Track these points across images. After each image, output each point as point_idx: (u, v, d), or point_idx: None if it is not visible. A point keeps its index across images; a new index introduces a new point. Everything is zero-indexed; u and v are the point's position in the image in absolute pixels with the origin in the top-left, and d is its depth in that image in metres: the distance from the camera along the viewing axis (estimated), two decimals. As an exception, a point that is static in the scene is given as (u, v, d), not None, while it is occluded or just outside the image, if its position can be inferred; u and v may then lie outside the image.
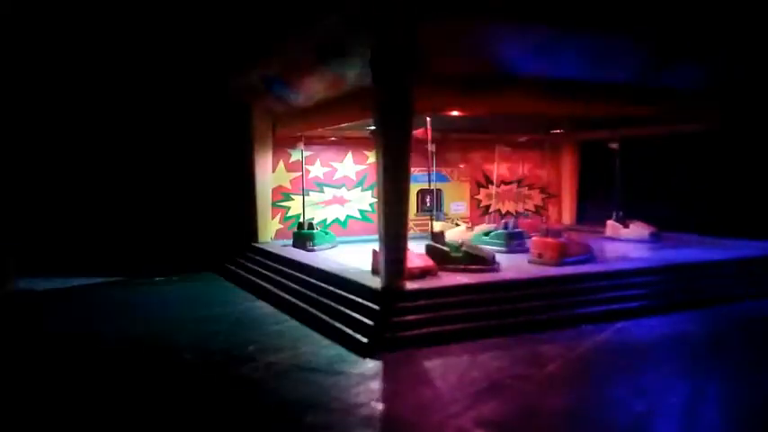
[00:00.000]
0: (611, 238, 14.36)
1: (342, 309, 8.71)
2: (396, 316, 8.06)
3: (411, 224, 13.20)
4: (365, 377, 6.67)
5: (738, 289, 10.33)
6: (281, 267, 11.75)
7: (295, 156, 14.61)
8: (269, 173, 14.42)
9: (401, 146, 8.58)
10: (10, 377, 7.15)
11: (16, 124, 13.40)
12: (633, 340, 8.12)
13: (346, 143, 15.08)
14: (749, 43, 10.08)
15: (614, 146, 14.96)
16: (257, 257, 13.26)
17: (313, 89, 11.20)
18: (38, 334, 9.13)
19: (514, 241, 12.40)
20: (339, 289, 9.26)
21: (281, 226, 14.70)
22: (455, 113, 10.90)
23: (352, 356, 7.40)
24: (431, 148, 12.27)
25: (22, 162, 13.78)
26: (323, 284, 9.76)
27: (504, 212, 16.92)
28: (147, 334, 8.80)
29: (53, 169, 14.40)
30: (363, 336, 7.78)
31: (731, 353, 7.61)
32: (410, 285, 8.59)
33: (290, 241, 13.49)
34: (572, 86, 10.16)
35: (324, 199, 15.08)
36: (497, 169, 16.30)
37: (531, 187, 17.70)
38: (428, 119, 11.38)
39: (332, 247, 13.10)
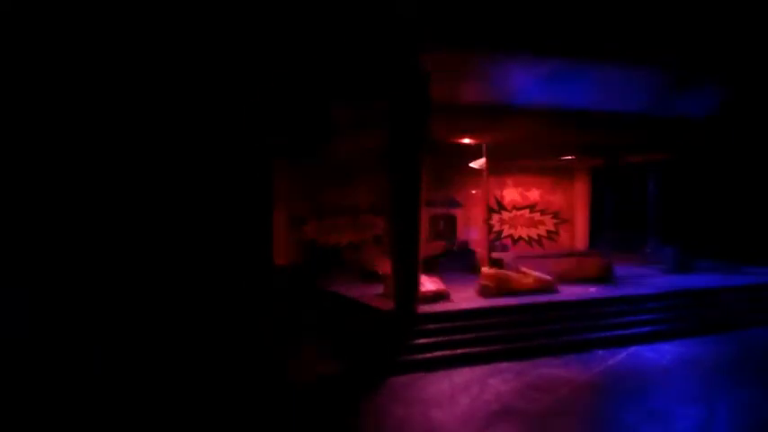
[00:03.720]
0: None
1: (353, 331, 8.83)
2: (407, 339, 8.18)
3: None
4: (377, 400, 6.77)
5: (751, 315, 10.29)
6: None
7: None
8: None
9: (413, 174, 8.77)
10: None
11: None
12: (645, 365, 8.12)
13: None
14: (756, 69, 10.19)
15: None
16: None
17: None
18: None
19: None
20: (351, 311, 9.39)
21: None
22: (467, 141, 11.14)
23: (364, 379, 7.49)
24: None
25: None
26: (335, 306, 9.90)
27: (516, 237, 17.04)
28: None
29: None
30: (375, 358, 7.89)
31: (744, 378, 7.58)
32: (422, 309, 8.71)
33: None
34: (588, 115, 10.38)
35: None
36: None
37: (543, 213, 17.78)
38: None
39: None
